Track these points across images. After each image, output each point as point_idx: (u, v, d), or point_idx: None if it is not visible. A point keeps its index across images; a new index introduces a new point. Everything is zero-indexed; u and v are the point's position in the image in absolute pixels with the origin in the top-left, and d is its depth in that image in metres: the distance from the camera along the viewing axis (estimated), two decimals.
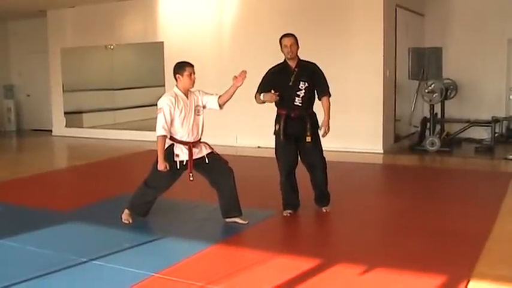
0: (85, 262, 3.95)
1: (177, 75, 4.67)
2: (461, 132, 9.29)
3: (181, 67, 4.66)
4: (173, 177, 4.75)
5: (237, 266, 3.90)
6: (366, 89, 8.60)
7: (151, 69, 11.97)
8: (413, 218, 5.12)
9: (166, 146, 4.62)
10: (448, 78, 9.67)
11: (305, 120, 4.89)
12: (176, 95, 4.65)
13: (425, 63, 9.24)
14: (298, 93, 4.88)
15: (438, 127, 9.34)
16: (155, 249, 4.37)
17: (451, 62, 9.80)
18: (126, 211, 4.95)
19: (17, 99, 13.62)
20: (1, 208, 5.67)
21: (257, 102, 5.00)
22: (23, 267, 3.90)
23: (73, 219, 5.13)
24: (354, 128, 8.63)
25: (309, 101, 4.95)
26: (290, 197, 5.10)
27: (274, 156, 5.10)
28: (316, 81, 4.95)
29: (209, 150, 4.81)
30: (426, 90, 8.97)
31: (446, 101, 9.47)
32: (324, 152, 5.09)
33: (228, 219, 4.88)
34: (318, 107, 5.04)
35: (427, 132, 9.09)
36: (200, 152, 4.74)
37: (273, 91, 4.85)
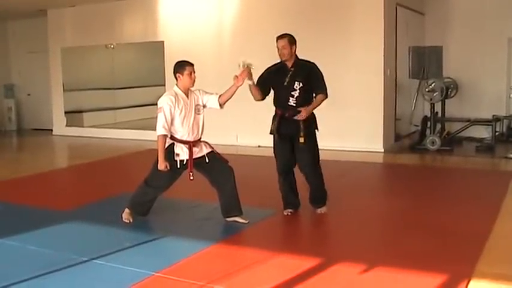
0: (85, 261, 3.95)
1: (177, 75, 4.67)
2: (461, 131, 9.29)
3: (181, 66, 4.66)
4: (173, 177, 4.75)
5: (237, 265, 3.90)
6: (367, 88, 8.59)
7: (152, 69, 11.97)
8: (413, 217, 5.12)
9: (166, 145, 4.63)
10: (449, 77, 9.66)
11: (299, 120, 4.82)
12: (176, 94, 4.65)
13: (426, 62, 9.24)
14: (292, 93, 4.82)
15: (439, 126, 9.34)
16: (156, 248, 4.38)
17: (451, 61, 9.80)
18: (127, 210, 4.95)
19: (17, 99, 13.62)
20: (1, 207, 5.67)
21: (253, 95, 4.95)
22: (23, 267, 3.90)
23: (73, 219, 5.13)
24: (354, 127, 8.63)
25: (303, 101, 4.83)
26: (289, 196, 5.09)
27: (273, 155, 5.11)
28: (312, 81, 4.88)
29: (209, 150, 4.80)
30: (427, 89, 8.97)
31: (446, 100, 9.46)
32: (319, 154, 5.01)
33: (228, 219, 4.88)
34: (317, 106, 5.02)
35: (428, 131, 9.09)
36: (200, 151, 4.74)
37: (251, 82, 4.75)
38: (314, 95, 4.94)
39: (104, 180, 7.29)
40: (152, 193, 4.89)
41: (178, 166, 4.67)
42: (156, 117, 4.61)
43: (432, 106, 9.05)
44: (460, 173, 7.37)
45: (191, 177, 4.67)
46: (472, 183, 6.60)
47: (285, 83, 4.84)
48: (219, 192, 4.87)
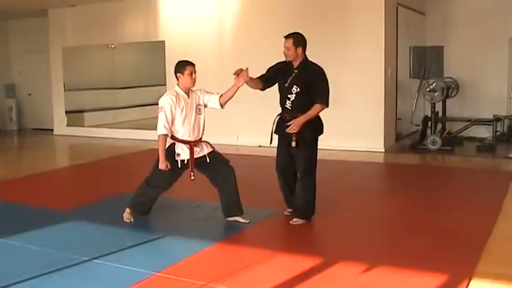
0: (86, 261, 3.96)
1: (178, 74, 4.67)
2: (462, 131, 9.28)
3: (182, 66, 4.67)
4: (174, 176, 4.76)
5: (238, 264, 3.91)
6: (367, 88, 8.59)
7: (153, 68, 11.98)
8: (414, 217, 5.12)
9: (167, 145, 4.63)
10: (450, 77, 9.65)
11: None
12: (177, 93, 4.65)
13: (427, 62, 9.24)
14: (289, 96, 4.71)
15: (439, 126, 9.33)
16: (156, 248, 4.38)
17: (452, 60, 9.79)
18: (128, 210, 4.95)
19: (18, 98, 13.63)
20: (2, 207, 5.68)
21: (251, 87, 4.84)
22: (24, 266, 3.90)
23: (74, 218, 5.13)
24: (355, 127, 8.63)
25: (298, 106, 4.67)
26: (288, 196, 5.04)
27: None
28: (312, 89, 4.67)
29: (210, 149, 4.80)
30: (427, 89, 8.96)
31: (447, 100, 9.45)
32: (313, 162, 4.79)
33: (229, 218, 4.88)
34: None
35: (429, 131, 9.09)
36: (201, 151, 4.74)
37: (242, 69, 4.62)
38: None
39: (104, 180, 7.29)
40: (153, 193, 4.89)
41: (179, 166, 4.68)
42: (157, 116, 4.62)
43: (433, 106, 9.05)
44: (460, 173, 7.37)
45: (192, 177, 4.68)
46: (472, 183, 6.60)
47: (286, 84, 4.74)
48: (219, 192, 4.87)
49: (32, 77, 13.34)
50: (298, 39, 4.70)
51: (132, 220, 4.91)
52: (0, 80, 13.42)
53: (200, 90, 4.80)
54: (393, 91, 9.04)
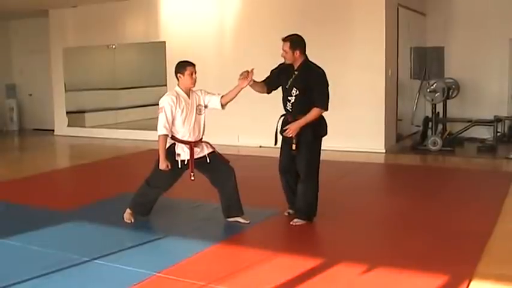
0: (87, 261, 3.96)
1: (179, 75, 4.67)
2: (463, 132, 9.27)
3: (182, 66, 4.67)
4: (174, 177, 4.76)
5: (238, 265, 3.91)
6: (368, 88, 8.59)
7: (153, 69, 11.98)
8: (414, 217, 5.12)
9: (167, 146, 4.63)
10: (450, 78, 9.65)
11: None
12: (178, 94, 4.66)
13: (428, 63, 9.24)
14: (289, 98, 4.69)
15: (440, 126, 9.32)
16: (157, 248, 4.38)
17: (453, 61, 9.79)
18: (128, 210, 4.95)
19: (19, 99, 13.62)
20: (3, 207, 5.67)
21: (256, 91, 4.87)
22: (24, 267, 3.91)
23: (75, 219, 5.13)
24: (355, 127, 8.63)
25: (298, 109, 4.63)
26: (289, 196, 5.03)
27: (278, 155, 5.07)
28: (311, 92, 4.61)
29: (210, 150, 4.81)
30: (428, 90, 8.96)
31: (448, 101, 9.44)
32: (315, 164, 4.76)
33: (229, 219, 4.88)
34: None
35: (429, 131, 9.09)
36: (201, 152, 4.74)
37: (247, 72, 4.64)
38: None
39: (105, 180, 7.29)
40: (154, 193, 4.89)
41: (180, 166, 4.68)
42: (157, 117, 4.62)
43: (434, 106, 9.04)
44: (461, 173, 7.36)
45: (192, 178, 4.68)
46: (473, 184, 6.60)
47: (287, 86, 4.72)
48: (220, 193, 4.87)
49: (33, 77, 13.34)
50: (295, 42, 4.63)
51: (132, 220, 4.92)
52: (1, 81, 13.42)
53: (201, 90, 4.80)
54: (394, 92, 9.04)
